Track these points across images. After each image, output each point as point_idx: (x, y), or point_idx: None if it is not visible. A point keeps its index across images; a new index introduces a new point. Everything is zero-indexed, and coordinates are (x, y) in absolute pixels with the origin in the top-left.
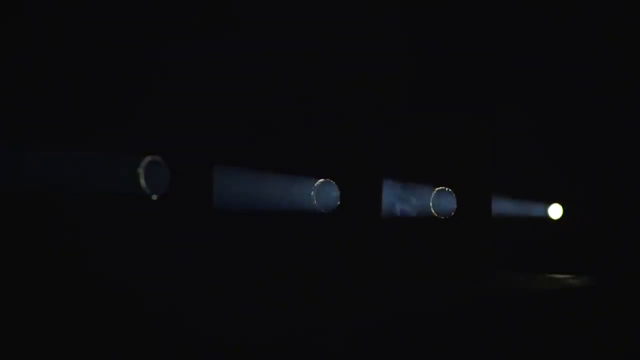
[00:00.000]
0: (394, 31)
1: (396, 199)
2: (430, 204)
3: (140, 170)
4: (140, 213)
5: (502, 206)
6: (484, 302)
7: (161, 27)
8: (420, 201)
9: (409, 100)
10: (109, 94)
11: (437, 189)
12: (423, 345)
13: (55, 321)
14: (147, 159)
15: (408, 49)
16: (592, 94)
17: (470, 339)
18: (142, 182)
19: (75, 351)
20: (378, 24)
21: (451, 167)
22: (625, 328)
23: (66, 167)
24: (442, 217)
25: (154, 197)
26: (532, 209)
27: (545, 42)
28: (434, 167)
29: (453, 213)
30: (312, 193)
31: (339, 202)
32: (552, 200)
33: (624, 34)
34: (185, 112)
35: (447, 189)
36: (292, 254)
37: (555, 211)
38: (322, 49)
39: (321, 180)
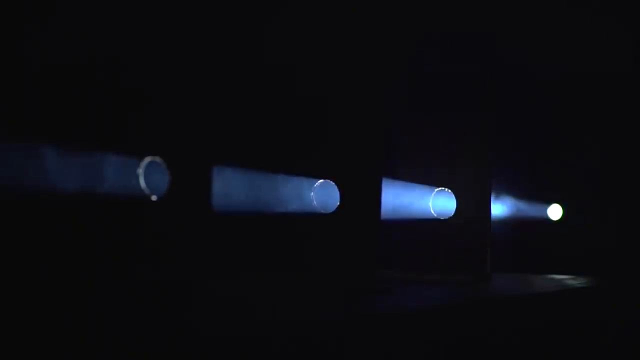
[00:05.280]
0: (395, 31)
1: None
2: (430, 204)
3: (140, 171)
4: (140, 213)
5: (502, 206)
6: (483, 302)
7: (161, 27)
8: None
9: (409, 100)
10: (108, 93)
11: (437, 189)
12: (422, 345)
13: (54, 322)
14: (147, 159)
15: (409, 48)
16: (592, 93)
17: (470, 339)
18: (142, 182)
19: (75, 352)
20: (379, 24)
21: (451, 167)
22: (625, 328)
23: (65, 167)
24: (442, 218)
25: (154, 197)
26: (532, 209)
27: (545, 42)
28: (434, 167)
29: (453, 213)
30: (312, 193)
31: (339, 202)
32: (552, 201)
33: (625, 33)
34: (185, 112)
35: (446, 189)
36: (291, 255)
37: (555, 211)
38: (322, 48)
39: (321, 180)
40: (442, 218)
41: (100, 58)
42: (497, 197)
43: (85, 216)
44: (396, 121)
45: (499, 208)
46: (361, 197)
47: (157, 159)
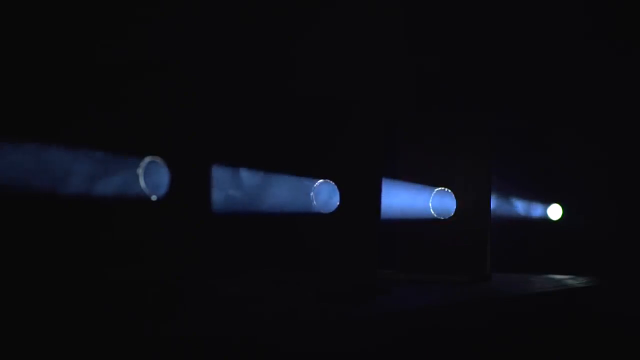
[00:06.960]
0: (395, 31)
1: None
2: (430, 204)
3: (140, 171)
4: (140, 213)
5: (502, 206)
6: (483, 302)
7: (160, 26)
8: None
9: (409, 100)
10: (108, 93)
11: (437, 189)
12: (421, 345)
13: (53, 322)
14: (147, 159)
15: (410, 48)
16: (592, 94)
17: (469, 340)
18: (142, 182)
19: (74, 353)
20: (379, 24)
21: (451, 167)
22: (625, 328)
23: (64, 167)
24: (442, 217)
25: (154, 197)
26: (532, 209)
27: (544, 42)
28: (434, 167)
29: (453, 213)
30: (312, 193)
31: (339, 202)
32: (552, 201)
33: (624, 32)
34: (185, 111)
35: (446, 189)
36: (291, 254)
37: (555, 211)
38: (323, 48)
39: (321, 180)
40: (442, 218)
41: (100, 58)
42: (497, 196)
43: (85, 216)
44: (396, 121)
45: (499, 208)
46: (361, 197)
47: (157, 159)
